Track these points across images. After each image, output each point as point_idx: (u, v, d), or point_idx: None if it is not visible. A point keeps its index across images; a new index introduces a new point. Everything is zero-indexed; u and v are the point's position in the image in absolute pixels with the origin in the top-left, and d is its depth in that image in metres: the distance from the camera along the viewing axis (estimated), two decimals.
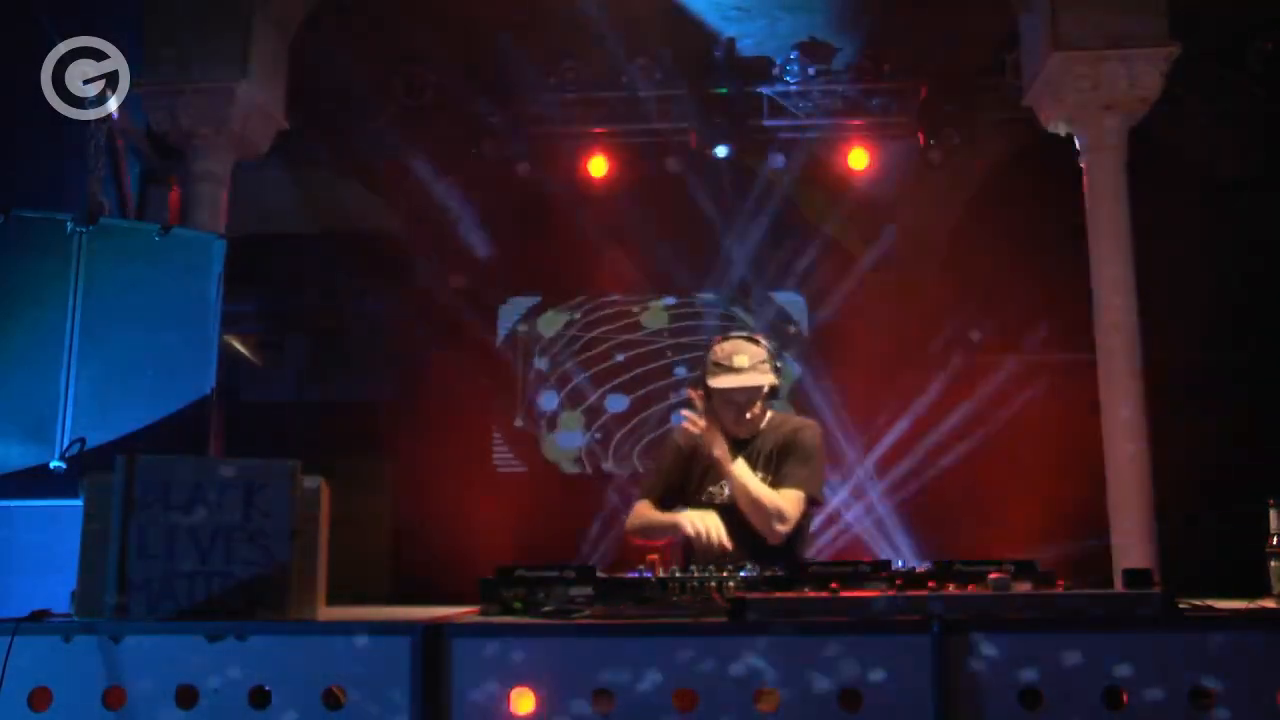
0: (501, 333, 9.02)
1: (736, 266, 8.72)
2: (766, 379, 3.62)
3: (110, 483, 2.40)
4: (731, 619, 2.30)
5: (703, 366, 3.70)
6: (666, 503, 3.71)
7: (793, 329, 8.70)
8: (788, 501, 3.52)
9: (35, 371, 3.84)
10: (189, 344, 4.02)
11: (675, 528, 3.45)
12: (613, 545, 7.96)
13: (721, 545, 3.35)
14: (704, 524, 3.37)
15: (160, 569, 2.37)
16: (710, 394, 3.65)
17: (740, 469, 3.52)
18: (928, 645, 2.18)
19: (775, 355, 3.72)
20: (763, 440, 3.70)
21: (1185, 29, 6.45)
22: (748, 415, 3.64)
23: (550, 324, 9.00)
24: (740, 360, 3.59)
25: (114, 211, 5.68)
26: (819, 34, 7.89)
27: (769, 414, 3.75)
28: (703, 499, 3.66)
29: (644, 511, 3.67)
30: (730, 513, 3.55)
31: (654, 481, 3.78)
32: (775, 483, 3.59)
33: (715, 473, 3.65)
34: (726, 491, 3.61)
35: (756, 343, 3.69)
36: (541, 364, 9.01)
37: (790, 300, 8.75)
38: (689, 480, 3.71)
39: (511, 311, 9.04)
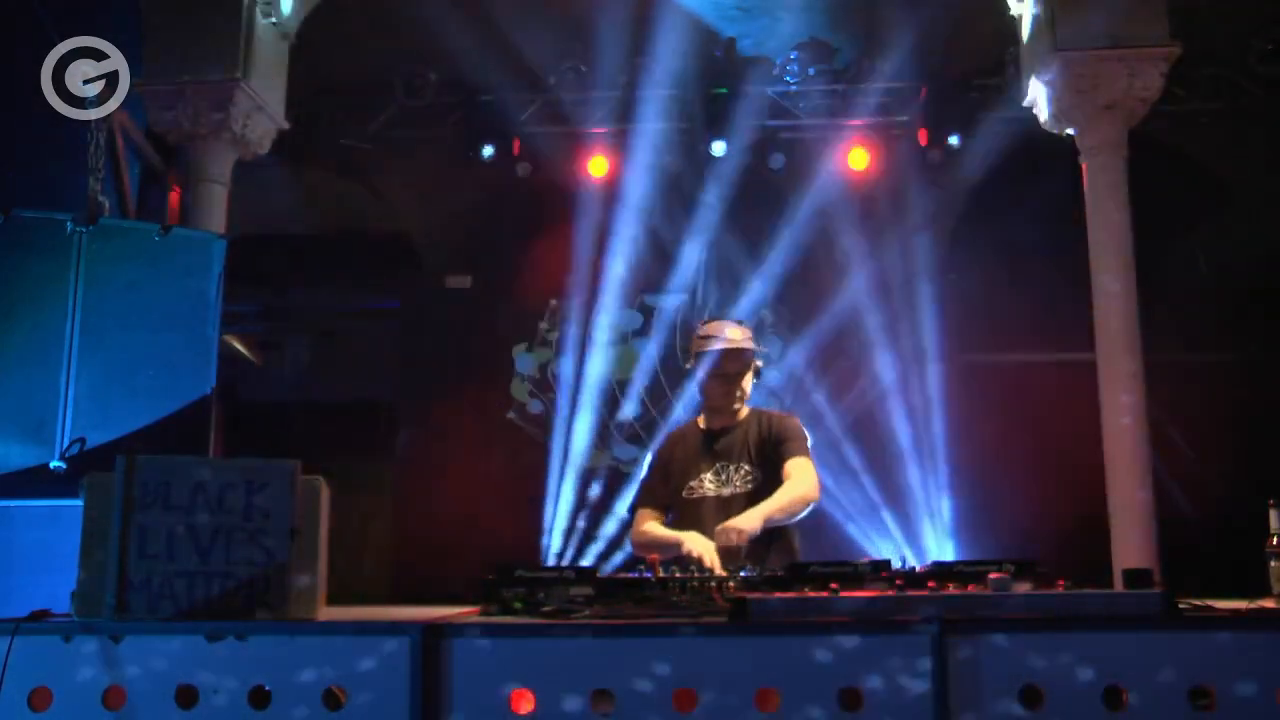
0: (501, 332, 9.02)
1: (733, 266, 8.71)
2: (755, 354, 3.76)
3: (110, 483, 2.40)
4: (731, 619, 2.30)
5: (688, 351, 3.85)
6: (660, 506, 3.79)
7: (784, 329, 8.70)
8: (802, 471, 3.60)
9: (35, 371, 3.84)
10: (189, 344, 4.02)
11: (676, 547, 3.45)
12: (614, 545, 7.97)
13: (712, 570, 3.35)
14: (701, 550, 3.36)
15: (160, 569, 2.36)
16: (698, 371, 3.76)
17: (757, 515, 3.45)
18: (928, 645, 2.18)
19: (758, 343, 3.85)
20: (744, 430, 3.76)
21: (1185, 29, 6.44)
22: (737, 391, 3.73)
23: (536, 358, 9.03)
24: (731, 333, 3.76)
25: (114, 211, 5.67)
26: (819, 34, 7.89)
27: (746, 409, 3.79)
28: (684, 495, 3.73)
29: (646, 526, 3.73)
30: (727, 504, 3.61)
31: (644, 493, 3.86)
32: (772, 464, 3.65)
33: (692, 470, 3.74)
34: (706, 486, 3.70)
35: (739, 324, 3.85)
36: (539, 357, 9.02)
37: (786, 301, 8.74)
38: (670, 480, 3.79)
39: (515, 314, 9.05)
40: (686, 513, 3.67)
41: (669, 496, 3.76)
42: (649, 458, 4.00)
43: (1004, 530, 7.36)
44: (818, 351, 8.61)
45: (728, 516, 3.48)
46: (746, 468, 3.68)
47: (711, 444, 3.77)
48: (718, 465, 3.72)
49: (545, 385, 8.93)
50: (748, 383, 3.76)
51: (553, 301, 8.97)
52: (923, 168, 8.14)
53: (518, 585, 2.59)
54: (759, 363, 3.80)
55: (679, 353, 8.68)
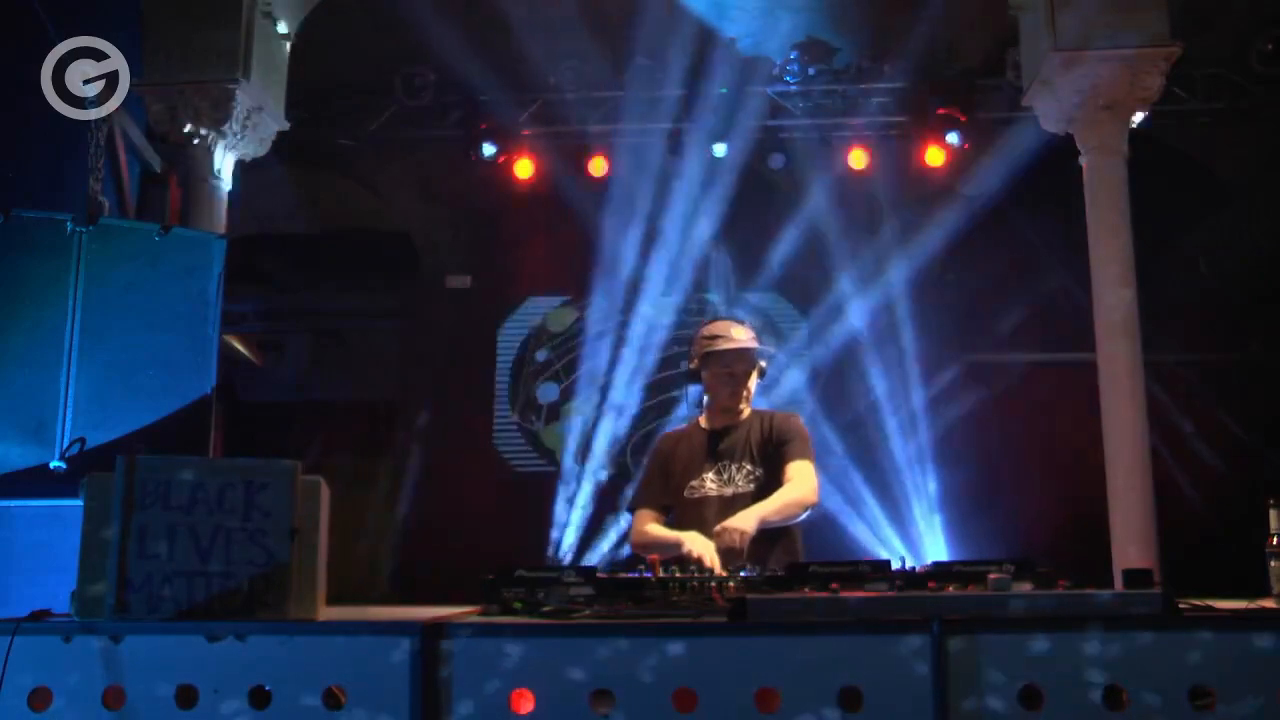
0: (502, 331, 9.02)
1: (734, 266, 8.72)
2: (759, 355, 3.75)
3: (110, 483, 2.40)
4: (731, 619, 2.30)
5: (691, 351, 3.81)
6: (661, 506, 3.77)
7: (789, 330, 8.70)
8: (802, 474, 3.60)
9: (35, 371, 3.84)
10: (189, 344, 4.02)
11: (677, 547, 3.43)
12: (613, 545, 7.97)
13: (712, 570, 3.34)
14: (701, 550, 3.35)
15: (160, 569, 2.36)
16: (703, 371, 3.75)
17: (753, 515, 3.45)
18: (928, 645, 2.18)
19: (761, 341, 3.84)
20: (746, 430, 3.76)
21: (1185, 29, 6.44)
22: (744, 391, 3.73)
23: (556, 320, 9.03)
24: (738, 333, 3.74)
25: (114, 211, 5.67)
26: (819, 34, 7.89)
27: (749, 408, 3.79)
28: (685, 494, 3.72)
29: (647, 526, 3.71)
30: (730, 503, 3.61)
31: (644, 492, 3.83)
32: (775, 464, 3.65)
33: (694, 470, 3.73)
34: (708, 485, 3.69)
35: (743, 323, 3.84)
36: (541, 359, 9.03)
37: (787, 301, 8.75)
38: (670, 480, 3.77)
39: (513, 313, 9.05)
40: (688, 512, 3.67)
41: (669, 496, 3.75)
42: (648, 457, 3.99)
43: (1003, 530, 7.37)
44: (817, 351, 8.62)
45: (731, 515, 3.48)
46: (749, 467, 3.67)
47: (714, 444, 3.76)
48: (719, 465, 3.71)
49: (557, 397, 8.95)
50: (753, 382, 3.75)
51: (571, 316, 8.96)
52: (922, 168, 8.14)
53: (518, 585, 2.58)
54: (764, 363, 3.79)
55: (683, 352, 8.67)
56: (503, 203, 8.61)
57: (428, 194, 8.89)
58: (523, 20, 7.50)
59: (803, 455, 3.64)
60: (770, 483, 3.63)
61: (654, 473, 3.83)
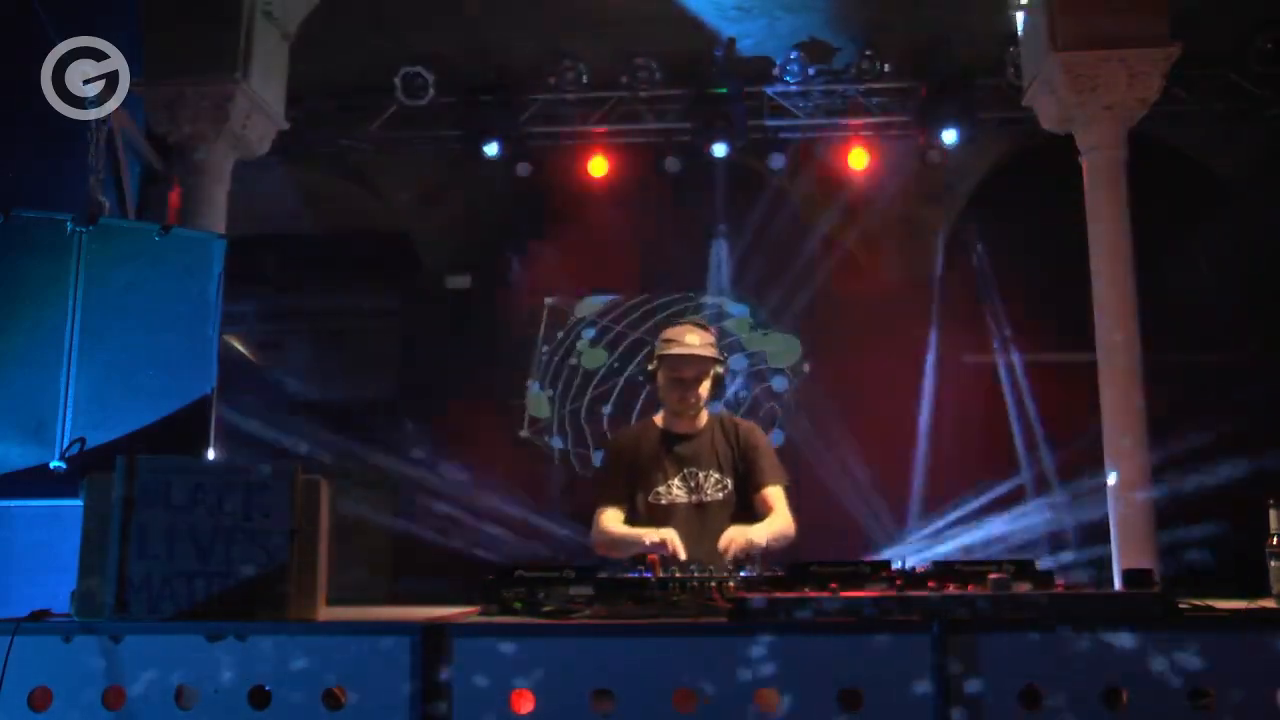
0: (502, 331, 9.03)
1: (735, 267, 8.72)
2: (715, 362, 3.72)
3: (110, 483, 2.40)
4: (731, 619, 2.30)
5: (652, 351, 3.79)
6: (623, 504, 3.73)
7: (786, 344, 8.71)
8: (783, 505, 3.62)
9: (35, 371, 3.83)
10: (189, 344, 4.01)
11: (638, 543, 3.44)
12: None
13: (676, 557, 3.31)
14: (662, 538, 3.37)
15: (160, 569, 2.37)
16: (657, 375, 3.75)
17: (764, 533, 3.47)
18: (928, 645, 2.18)
19: (719, 348, 3.81)
20: (709, 436, 3.75)
21: (1185, 29, 6.44)
22: (693, 398, 3.70)
23: (554, 320, 9.03)
24: (691, 339, 3.71)
25: (114, 211, 5.66)
26: (819, 34, 7.88)
27: (705, 414, 3.78)
28: (651, 500, 3.70)
29: (607, 525, 3.67)
30: (701, 511, 3.64)
31: (606, 490, 3.78)
32: (744, 478, 3.66)
33: (656, 474, 3.71)
34: (675, 493, 3.68)
35: (705, 329, 3.80)
36: (541, 357, 9.03)
37: (787, 302, 8.75)
38: (635, 480, 3.74)
39: (513, 313, 9.06)
40: (656, 518, 3.64)
41: (632, 494, 3.74)
42: (606, 455, 3.97)
43: (1002, 530, 7.37)
44: (816, 350, 8.62)
45: (702, 523, 3.54)
46: (716, 475, 3.68)
47: (673, 447, 3.74)
48: (685, 471, 3.70)
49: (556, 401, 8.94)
50: (704, 389, 3.71)
51: (569, 316, 8.95)
52: (922, 168, 8.14)
53: (518, 585, 2.58)
54: (720, 369, 3.75)
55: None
56: (502, 203, 8.61)
57: (428, 194, 8.89)
58: (523, 20, 7.50)
59: (778, 480, 3.64)
60: (738, 490, 3.66)
61: (616, 471, 3.79)
